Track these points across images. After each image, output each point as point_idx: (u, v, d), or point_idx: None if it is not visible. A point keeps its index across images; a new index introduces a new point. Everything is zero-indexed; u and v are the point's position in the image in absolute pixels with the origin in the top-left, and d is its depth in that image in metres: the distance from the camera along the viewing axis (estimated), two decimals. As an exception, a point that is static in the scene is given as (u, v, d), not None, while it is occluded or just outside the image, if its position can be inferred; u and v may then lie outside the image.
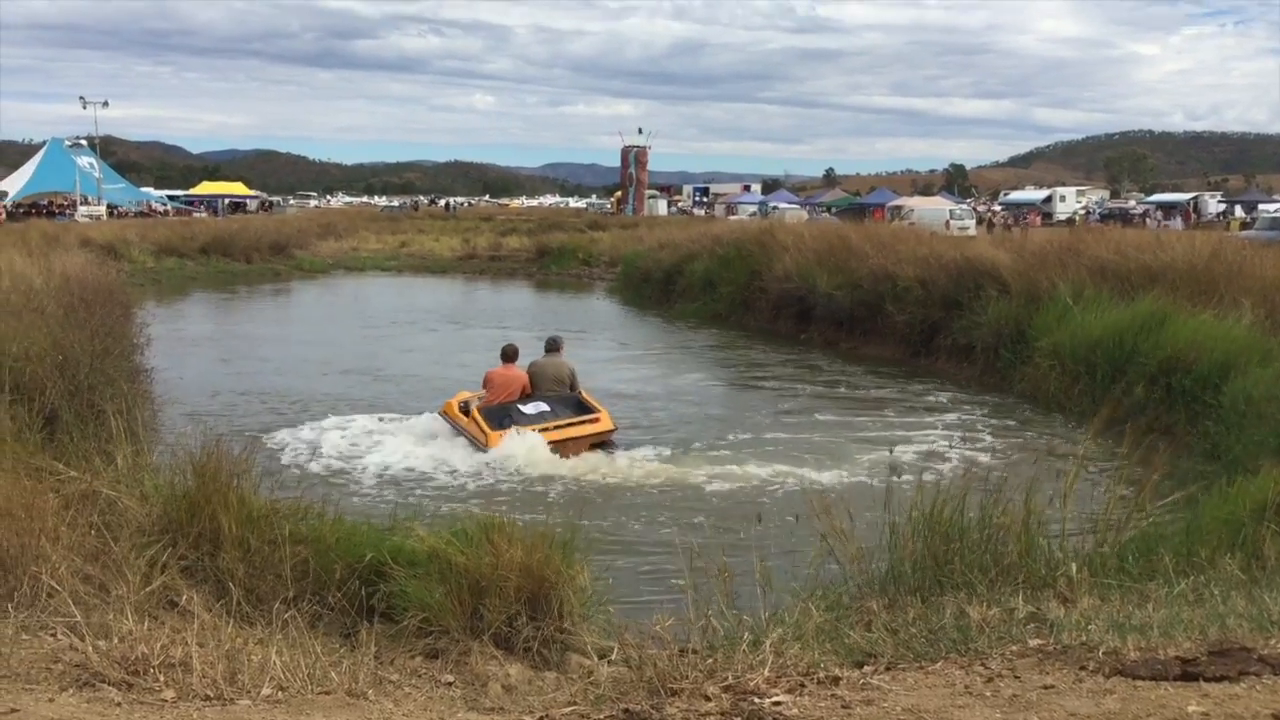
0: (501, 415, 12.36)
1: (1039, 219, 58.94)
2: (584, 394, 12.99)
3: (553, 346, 13.39)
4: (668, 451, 12.29)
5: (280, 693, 3.98)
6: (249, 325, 26.28)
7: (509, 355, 13.27)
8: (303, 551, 5.86)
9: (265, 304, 32.70)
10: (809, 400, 16.01)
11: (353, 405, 14.71)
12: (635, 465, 11.58)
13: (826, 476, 11.05)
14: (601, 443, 12.21)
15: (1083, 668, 3.76)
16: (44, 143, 70.17)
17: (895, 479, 8.82)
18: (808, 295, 22.09)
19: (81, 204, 58.60)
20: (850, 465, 11.55)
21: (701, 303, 26.83)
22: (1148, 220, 52.83)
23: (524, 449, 11.63)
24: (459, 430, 12.52)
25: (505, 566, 5.55)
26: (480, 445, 11.95)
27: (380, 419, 13.79)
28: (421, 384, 16.54)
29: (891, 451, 11.41)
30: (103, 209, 58.71)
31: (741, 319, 24.91)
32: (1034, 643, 4.07)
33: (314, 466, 11.56)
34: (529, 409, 12.49)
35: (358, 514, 8.08)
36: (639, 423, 14.08)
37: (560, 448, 11.81)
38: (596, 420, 12.34)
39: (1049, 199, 71.96)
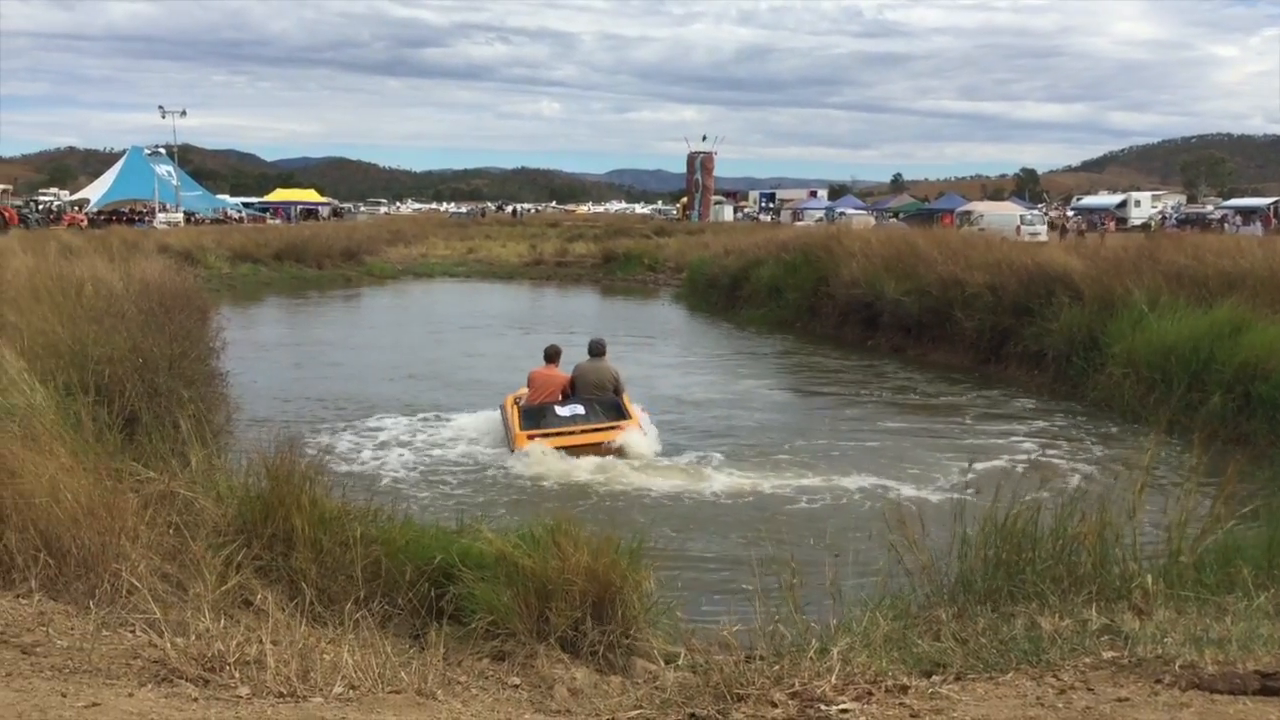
0: (538, 415, 12.61)
1: (1114, 224, 57.86)
2: (626, 399, 13.04)
3: (596, 351, 13.44)
4: (733, 459, 12.27)
5: (351, 691, 4.04)
6: (320, 330, 26.70)
7: (551, 356, 13.45)
8: (373, 553, 5.94)
9: (336, 309, 33.20)
10: (876, 408, 15.88)
11: (418, 409, 14.90)
12: (699, 473, 11.57)
13: (895, 485, 10.95)
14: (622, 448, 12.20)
15: (1158, 681, 3.69)
16: (124, 151, 71.94)
17: (966, 488, 8.72)
18: (875, 301, 21.92)
19: (160, 211, 60.07)
20: (920, 473, 11.43)
21: (767, 309, 26.74)
22: (1225, 225, 51.59)
23: (540, 458, 11.78)
24: (505, 426, 12.82)
25: (571, 571, 5.58)
26: (510, 444, 12.24)
27: (440, 418, 14.11)
28: (486, 388, 16.65)
29: (970, 464, 11.28)
30: (180, 216, 60.08)
31: (808, 325, 24.78)
32: (1108, 655, 4.00)
33: (383, 467, 11.72)
34: (564, 410, 12.68)
35: (425, 515, 8.18)
36: (708, 430, 14.04)
37: (578, 452, 11.97)
38: (621, 429, 12.31)
39: (1123, 204, 70.57)
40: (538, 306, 34.99)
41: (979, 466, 11.35)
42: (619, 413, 12.70)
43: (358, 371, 19.20)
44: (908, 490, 10.70)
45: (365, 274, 43.06)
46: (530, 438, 12.10)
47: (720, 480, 11.24)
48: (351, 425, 13.93)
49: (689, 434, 13.61)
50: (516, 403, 13.11)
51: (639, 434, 12.31)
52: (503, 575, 5.73)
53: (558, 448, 11.96)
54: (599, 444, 12.12)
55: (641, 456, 12.00)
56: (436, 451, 12.58)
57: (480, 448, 12.62)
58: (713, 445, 12.99)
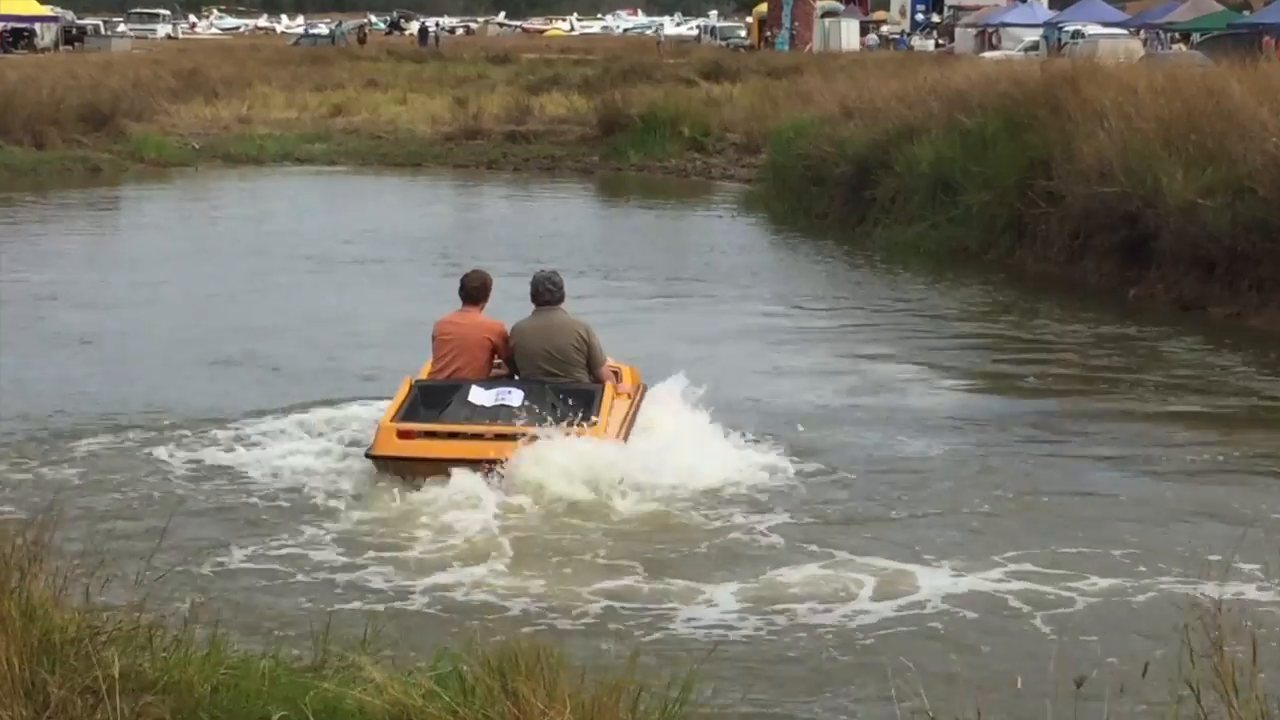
0: (440, 398, 13.17)
1: None
2: (611, 387, 13.41)
3: (546, 295, 13.68)
4: (869, 526, 12.35)
5: None
6: (42, 269, 26.74)
7: (473, 293, 13.86)
8: (149, 709, 5.94)
9: (73, 227, 33.24)
10: (1149, 422, 15.89)
11: (231, 422, 14.92)
12: (799, 551, 11.56)
13: (1192, 574, 10.89)
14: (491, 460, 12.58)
15: None
16: None
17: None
18: (1143, 211, 21.99)
19: None
20: (1241, 554, 11.37)
21: (929, 224, 26.96)
22: None
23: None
24: None
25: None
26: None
27: (274, 438, 14.40)
28: (365, 383, 16.66)
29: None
30: None
31: (1009, 257, 24.95)
32: None
33: (164, 540, 11.67)
34: (486, 395, 13.10)
35: (249, 635, 8.14)
36: (823, 465, 13.97)
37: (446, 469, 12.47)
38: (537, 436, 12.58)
39: None
40: (473, 221, 35.18)
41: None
42: (586, 409, 12.98)
43: (116, 353, 19.27)
44: (1217, 585, 10.64)
45: (129, 158, 43.29)
46: (405, 436, 12.63)
47: (844, 567, 11.27)
48: (103, 459, 13.95)
49: (783, 471, 13.57)
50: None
51: (594, 444, 12.63)
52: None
53: (428, 459, 12.49)
54: (482, 461, 12.47)
55: (596, 486, 12.35)
56: (268, 508, 12.65)
57: (356, 495, 12.74)
58: (829, 499, 13.06)
